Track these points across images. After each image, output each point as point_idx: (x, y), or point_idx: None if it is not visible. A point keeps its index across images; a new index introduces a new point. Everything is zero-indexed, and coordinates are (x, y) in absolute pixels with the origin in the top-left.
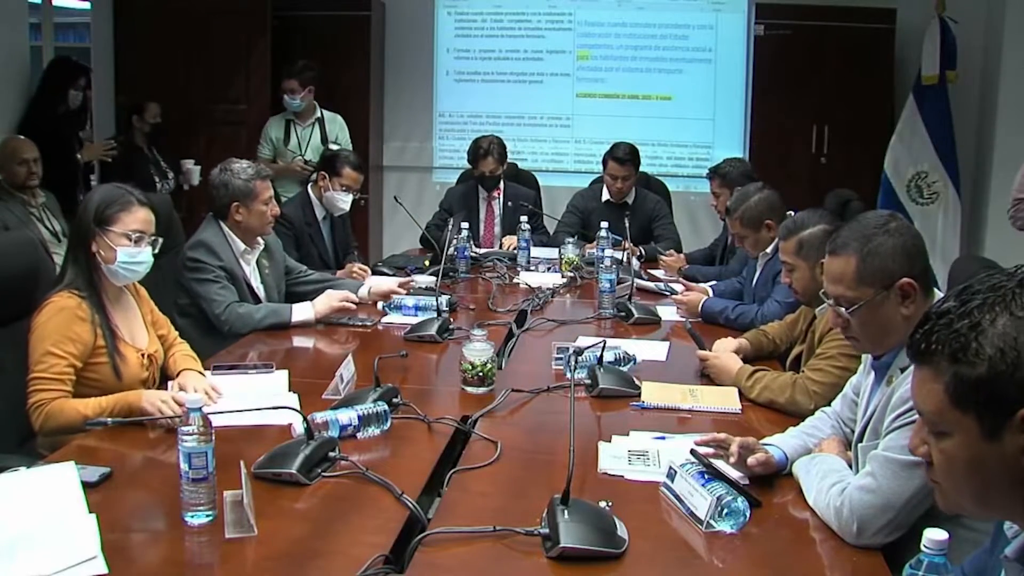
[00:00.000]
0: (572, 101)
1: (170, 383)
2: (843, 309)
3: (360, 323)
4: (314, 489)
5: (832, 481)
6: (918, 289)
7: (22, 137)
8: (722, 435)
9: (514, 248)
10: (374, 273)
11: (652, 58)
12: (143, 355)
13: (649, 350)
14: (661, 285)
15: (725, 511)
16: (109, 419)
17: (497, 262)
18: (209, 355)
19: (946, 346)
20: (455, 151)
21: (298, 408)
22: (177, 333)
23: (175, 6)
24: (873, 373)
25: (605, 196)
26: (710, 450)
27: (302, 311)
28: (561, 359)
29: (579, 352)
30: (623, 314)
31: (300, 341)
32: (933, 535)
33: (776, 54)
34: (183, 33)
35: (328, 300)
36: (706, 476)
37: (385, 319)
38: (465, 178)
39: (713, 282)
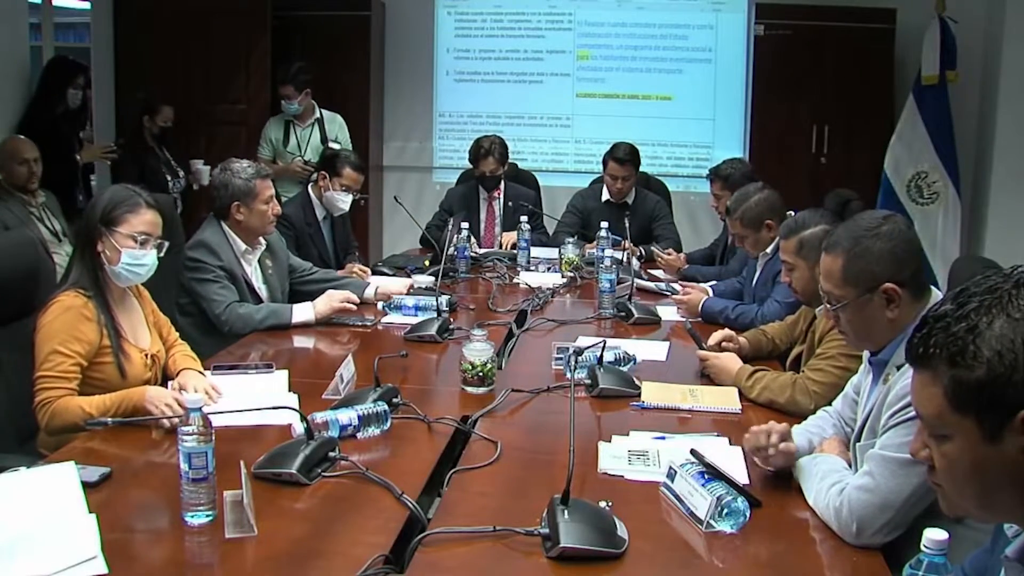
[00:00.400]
0: (572, 101)
1: (170, 383)
2: (829, 306)
3: (360, 323)
4: (314, 489)
5: (832, 481)
6: (902, 294)
7: (22, 137)
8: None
9: (513, 244)
10: (374, 273)
11: (652, 58)
12: (146, 355)
13: (649, 350)
14: (662, 285)
15: (725, 511)
16: (109, 419)
17: (497, 262)
18: (209, 355)
19: (944, 350)
20: (455, 151)
21: (298, 408)
22: (178, 334)
23: (175, 6)
24: (871, 372)
25: (605, 196)
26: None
27: (302, 312)
28: (561, 359)
29: (579, 352)
30: (623, 314)
31: (300, 341)
32: (933, 535)
33: (776, 54)
34: (183, 33)
35: (329, 301)
36: (706, 476)
37: (385, 319)
38: (465, 178)
39: (713, 282)
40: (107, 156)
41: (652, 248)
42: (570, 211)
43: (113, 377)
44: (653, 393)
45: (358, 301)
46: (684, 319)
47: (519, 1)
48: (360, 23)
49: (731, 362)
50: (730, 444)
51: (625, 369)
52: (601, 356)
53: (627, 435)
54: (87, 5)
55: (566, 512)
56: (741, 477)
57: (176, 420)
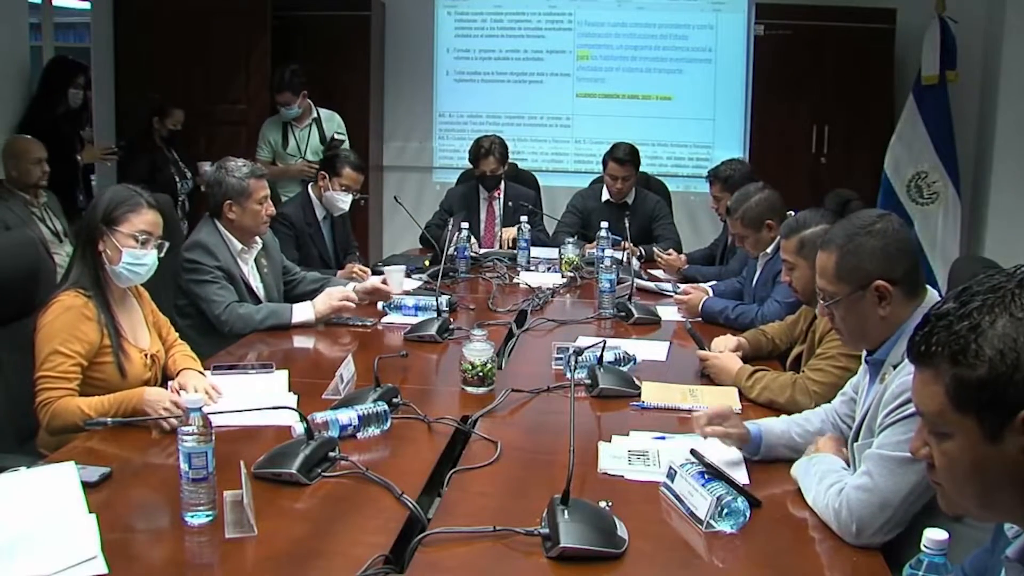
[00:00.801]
0: (572, 101)
1: (170, 383)
2: (823, 302)
3: (360, 323)
4: (314, 489)
5: (831, 482)
6: (893, 292)
7: (29, 136)
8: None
9: (513, 239)
10: (374, 273)
11: (652, 58)
12: (146, 355)
13: (649, 350)
14: (662, 285)
15: (725, 511)
16: (109, 419)
17: (497, 262)
18: (209, 356)
19: (946, 348)
20: (455, 151)
21: (297, 408)
22: (177, 335)
23: (175, 6)
24: (868, 372)
25: (605, 196)
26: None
27: (302, 311)
28: (561, 359)
29: (579, 352)
30: (623, 314)
31: (300, 341)
32: (933, 535)
33: (776, 54)
34: (183, 33)
35: (328, 300)
36: (706, 476)
37: (385, 319)
38: (466, 178)
39: (713, 282)
40: (108, 157)
41: (652, 248)
42: (570, 211)
43: (113, 377)
44: (653, 393)
45: (356, 299)
46: (684, 319)
47: (519, 1)
48: (360, 23)
49: (731, 362)
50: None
51: (625, 369)
52: (601, 356)
53: (627, 435)
54: (87, 5)
55: (566, 512)
56: (741, 477)
57: (175, 420)
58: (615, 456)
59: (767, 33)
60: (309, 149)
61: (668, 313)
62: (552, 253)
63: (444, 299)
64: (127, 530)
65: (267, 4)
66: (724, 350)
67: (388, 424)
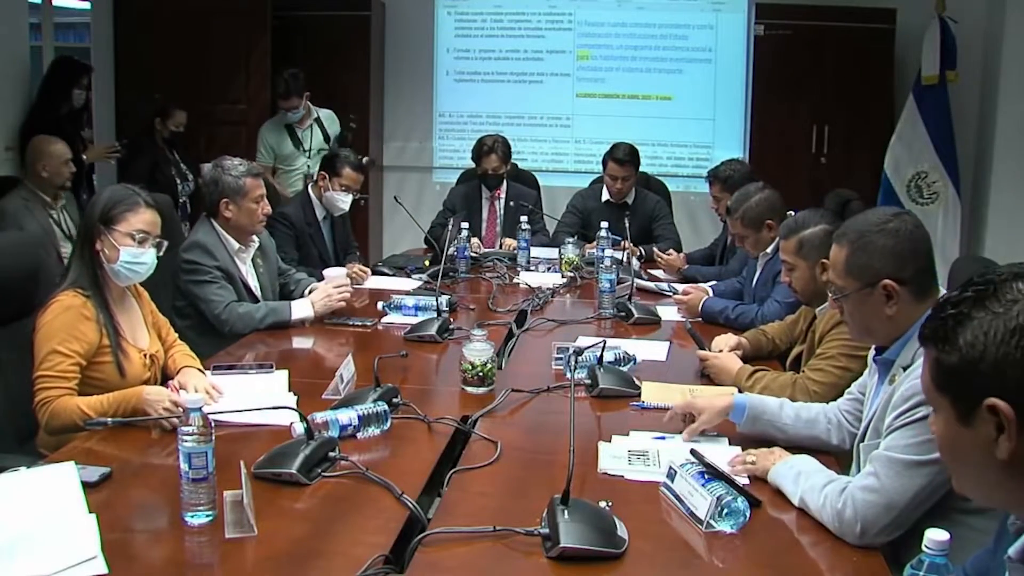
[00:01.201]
0: (572, 101)
1: (170, 382)
2: (832, 295)
3: (360, 323)
4: (314, 489)
5: (822, 481)
6: (901, 292)
7: (53, 137)
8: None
9: (514, 249)
10: (374, 273)
11: (652, 58)
12: (145, 355)
13: (649, 350)
14: (662, 285)
15: (725, 511)
16: (109, 419)
17: (497, 262)
18: (208, 356)
19: (934, 332)
20: (455, 151)
21: (297, 407)
22: (176, 335)
23: (175, 6)
24: (877, 372)
25: (605, 196)
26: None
27: (301, 308)
28: (561, 359)
29: (579, 352)
30: (623, 314)
31: (300, 341)
32: (934, 535)
33: (776, 54)
34: (183, 33)
35: (325, 299)
36: (706, 476)
37: (385, 319)
38: (467, 178)
39: (713, 282)
40: (111, 156)
41: (652, 248)
42: (570, 211)
43: (112, 377)
44: (653, 393)
45: (351, 289)
46: (684, 319)
47: (519, 1)
48: (360, 23)
49: (731, 362)
50: (730, 444)
51: (625, 369)
52: (601, 356)
53: (627, 435)
54: (87, 5)
55: (566, 512)
56: (741, 477)
57: (176, 420)
58: (615, 456)
59: (767, 33)
60: (314, 148)
61: (668, 313)
62: (552, 253)
63: (444, 299)
64: (127, 530)
65: (267, 4)
66: (724, 350)
67: (388, 424)
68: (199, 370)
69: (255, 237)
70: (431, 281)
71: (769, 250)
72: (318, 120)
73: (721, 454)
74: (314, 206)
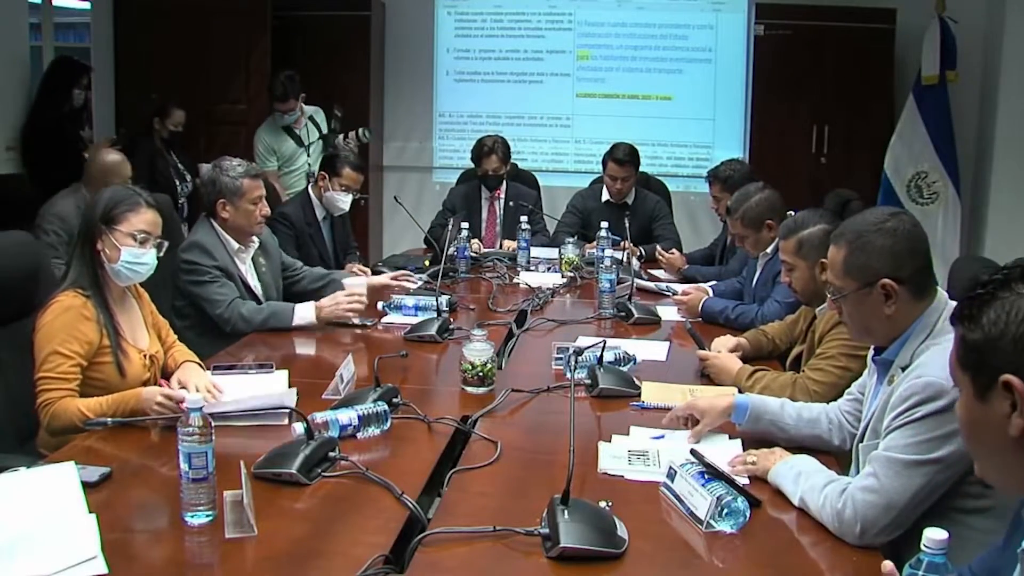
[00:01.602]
0: (572, 101)
1: (167, 380)
2: (831, 296)
3: (360, 323)
4: (314, 489)
5: (822, 481)
6: (899, 292)
7: (117, 154)
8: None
9: (514, 250)
10: (374, 273)
11: (652, 58)
12: (145, 355)
13: (649, 350)
14: (662, 285)
15: (725, 511)
16: (109, 419)
17: (497, 262)
18: (208, 356)
19: (961, 311)
20: (455, 151)
21: (297, 407)
22: (176, 336)
23: (175, 6)
24: (876, 372)
25: (605, 196)
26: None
27: (304, 313)
28: (561, 359)
29: (579, 352)
30: (623, 314)
31: (300, 341)
32: (933, 535)
33: (776, 54)
34: (183, 33)
35: (334, 308)
36: (706, 476)
37: (385, 319)
38: (467, 178)
39: (713, 282)
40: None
41: (653, 248)
42: (570, 211)
43: (112, 377)
44: (653, 393)
45: (365, 302)
46: (684, 319)
47: (519, 1)
48: (360, 23)
49: (731, 362)
50: (729, 439)
51: (625, 369)
52: (601, 356)
53: (627, 434)
54: (87, 5)
55: (566, 512)
56: (741, 477)
57: (171, 413)
58: (615, 456)
59: (767, 33)
60: (313, 148)
61: (668, 313)
62: (552, 253)
63: (444, 299)
64: (127, 530)
65: (267, 4)
66: (724, 350)
67: (388, 424)
68: (198, 364)
69: (255, 237)
70: (431, 281)
71: (769, 250)
72: (311, 118)
73: (721, 450)
74: (314, 206)
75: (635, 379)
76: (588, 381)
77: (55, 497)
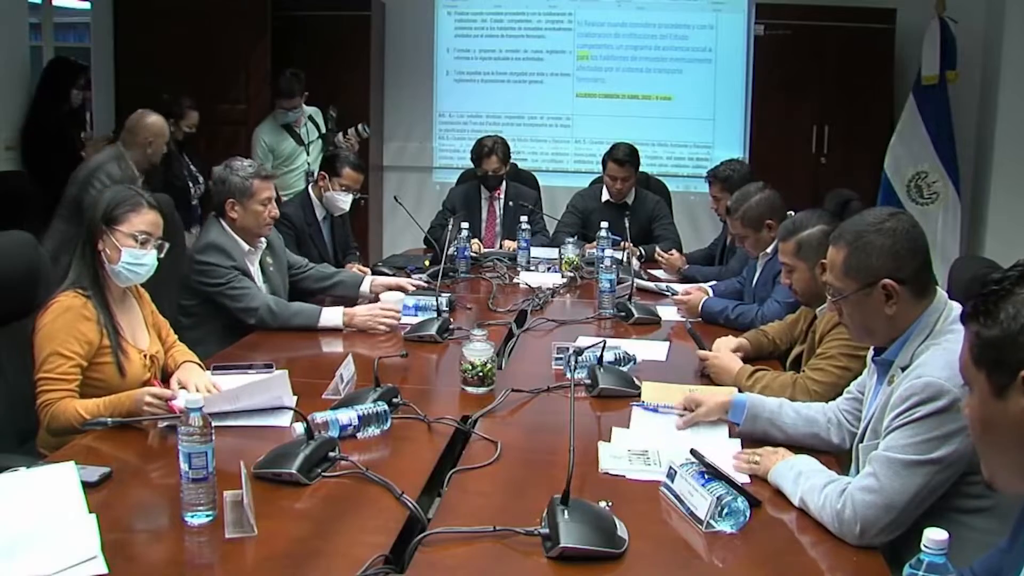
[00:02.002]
0: (572, 101)
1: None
2: (831, 297)
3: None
4: (314, 489)
5: (822, 481)
6: (901, 292)
7: (154, 112)
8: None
9: (514, 251)
10: (374, 273)
11: (652, 58)
12: (145, 355)
13: (649, 350)
14: (662, 285)
15: (725, 511)
16: (109, 419)
17: (497, 262)
18: (210, 356)
19: (975, 308)
20: (455, 151)
21: (297, 407)
22: (176, 336)
23: (175, 6)
24: (875, 372)
25: (605, 196)
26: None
27: (331, 316)
28: (561, 359)
29: (579, 352)
30: (623, 314)
31: (300, 341)
32: (933, 535)
33: (776, 54)
34: (183, 33)
35: (369, 315)
36: (706, 476)
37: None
38: (467, 178)
39: (713, 282)
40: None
41: (653, 248)
42: (570, 211)
43: (112, 377)
44: (653, 393)
45: (399, 319)
46: (684, 319)
47: (519, 1)
48: (360, 23)
49: (731, 362)
50: (730, 437)
51: (625, 369)
52: (601, 356)
53: (627, 427)
54: (87, 5)
55: (566, 512)
56: (741, 477)
57: (161, 411)
58: (615, 456)
59: (767, 33)
60: (313, 146)
61: (668, 313)
62: (552, 253)
63: (444, 298)
64: (127, 530)
65: (267, 4)
66: (724, 350)
67: (388, 424)
68: (198, 364)
69: (262, 238)
70: (431, 281)
71: (769, 250)
72: (311, 118)
73: (721, 447)
74: (314, 206)
75: (635, 379)
76: (588, 381)
77: (55, 497)
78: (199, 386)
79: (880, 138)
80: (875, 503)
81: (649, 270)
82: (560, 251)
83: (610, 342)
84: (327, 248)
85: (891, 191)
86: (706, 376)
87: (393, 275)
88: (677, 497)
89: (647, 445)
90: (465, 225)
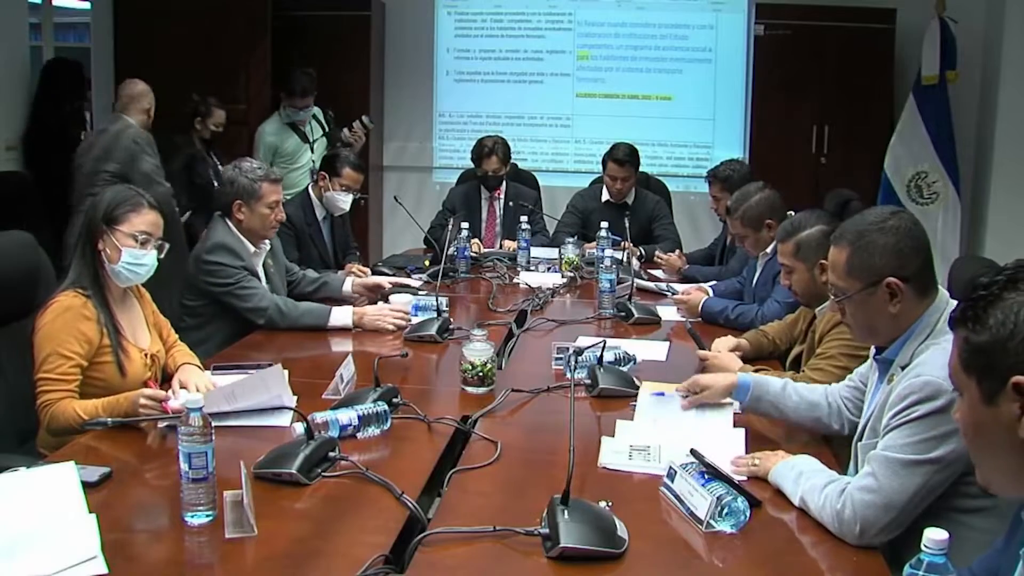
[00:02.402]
0: (572, 101)
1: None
2: (834, 297)
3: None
4: (314, 489)
5: (822, 481)
6: (905, 290)
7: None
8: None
9: (514, 251)
10: (374, 273)
11: (652, 58)
12: (146, 355)
13: (649, 350)
14: (662, 285)
15: (725, 511)
16: (109, 419)
17: (497, 262)
18: (212, 355)
19: (963, 314)
20: (455, 151)
21: (296, 407)
22: (177, 336)
23: (175, 6)
24: (877, 370)
25: (605, 196)
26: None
27: (340, 316)
28: (561, 359)
29: (579, 352)
30: (623, 314)
31: (300, 341)
32: (933, 534)
33: (776, 54)
34: (183, 33)
35: (379, 315)
36: (706, 476)
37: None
38: (467, 178)
39: (713, 282)
40: None
41: (653, 249)
42: (570, 211)
43: (113, 377)
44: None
45: (408, 320)
46: (684, 319)
47: (519, 1)
48: (360, 23)
49: (731, 362)
50: (733, 427)
51: (625, 369)
52: (601, 356)
53: (631, 419)
54: (87, 5)
55: (566, 512)
56: (742, 480)
57: (157, 410)
58: (616, 451)
59: (767, 33)
60: (317, 145)
61: (668, 313)
62: (552, 253)
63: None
64: (127, 530)
65: (267, 4)
66: (724, 350)
67: (388, 424)
68: (198, 367)
69: (266, 240)
70: (431, 281)
71: (769, 250)
72: (314, 115)
73: (724, 429)
74: (314, 206)
75: (635, 379)
76: (588, 381)
77: (55, 497)
78: (199, 386)
79: (880, 138)
80: (874, 503)
81: (649, 270)
82: (560, 251)
83: (610, 342)
84: (327, 248)
85: (891, 191)
86: None
87: (393, 275)
88: (677, 497)
89: (649, 440)
90: (465, 225)
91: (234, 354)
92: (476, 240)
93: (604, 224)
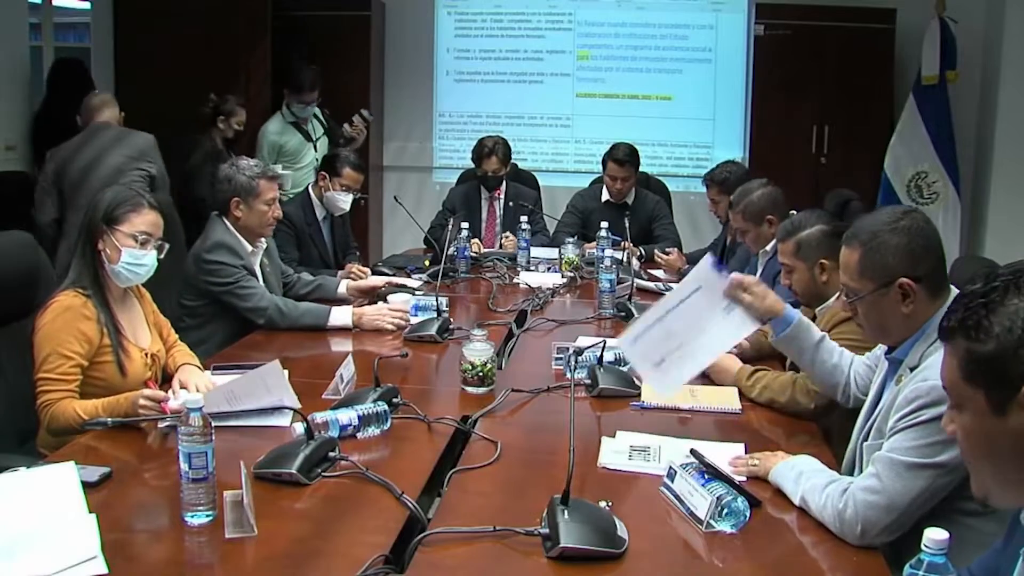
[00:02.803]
0: (572, 101)
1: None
2: (847, 298)
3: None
4: (314, 489)
5: (823, 481)
6: (917, 290)
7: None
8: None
9: (513, 247)
10: (374, 273)
11: (652, 58)
12: (146, 354)
13: None
14: (662, 285)
15: (725, 511)
16: (109, 419)
17: (497, 262)
18: (212, 355)
19: (962, 323)
20: (455, 151)
21: (298, 407)
22: (177, 336)
23: (175, 6)
24: (887, 367)
25: (605, 196)
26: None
27: (340, 316)
28: (561, 359)
29: (579, 352)
30: (623, 314)
31: (300, 341)
32: (933, 535)
33: (776, 54)
34: (183, 33)
35: (378, 314)
36: (706, 476)
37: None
38: (467, 178)
39: None
40: None
41: (653, 249)
42: (570, 211)
43: (113, 376)
44: (653, 393)
45: (408, 320)
46: None
47: (519, 1)
48: (360, 23)
49: (731, 362)
50: (733, 443)
51: (625, 369)
52: (601, 356)
53: (631, 430)
54: (87, 5)
55: (566, 512)
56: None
57: (156, 410)
58: (616, 451)
59: (767, 33)
60: (319, 143)
61: None
62: (552, 253)
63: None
64: (127, 530)
65: (267, 4)
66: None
67: (388, 424)
68: (198, 367)
69: (263, 239)
70: (431, 281)
71: (769, 247)
72: (315, 114)
73: (723, 450)
74: (314, 206)
75: (635, 379)
76: (588, 381)
77: (55, 497)
78: (199, 386)
79: (880, 138)
80: (877, 503)
81: (649, 270)
82: (560, 251)
83: (610, 342)
84: (327, 248)
85: (891, 191)
86: (706, 376)
87: (393, 275)
88: (677, 497)
89: (649, 442)
90: (465, 225)
91: (234, 354)
92: (476, 240)
93: (604, 224)
